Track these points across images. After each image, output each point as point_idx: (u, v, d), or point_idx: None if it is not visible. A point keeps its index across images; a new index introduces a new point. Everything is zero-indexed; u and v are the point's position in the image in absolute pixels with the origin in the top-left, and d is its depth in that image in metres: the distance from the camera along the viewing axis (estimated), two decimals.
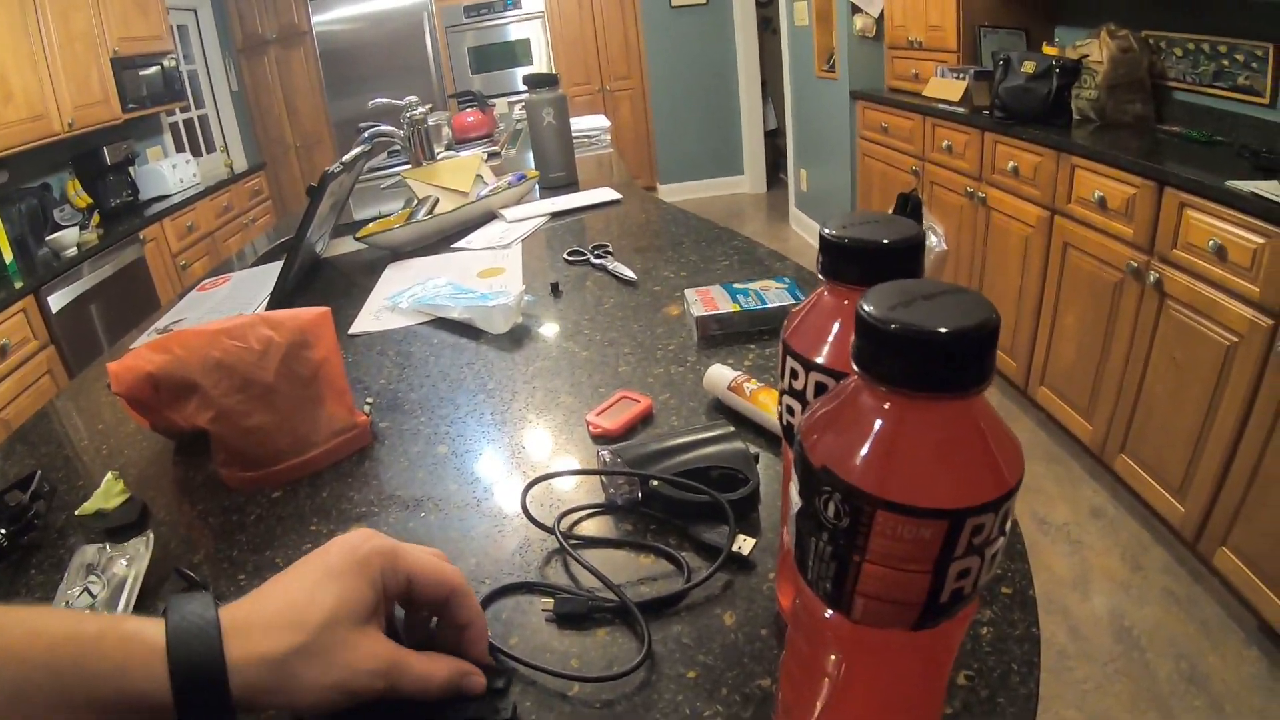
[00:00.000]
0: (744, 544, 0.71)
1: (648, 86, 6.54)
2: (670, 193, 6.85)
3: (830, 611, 0.40)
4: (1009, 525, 0.36)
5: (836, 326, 0.49)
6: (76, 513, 0.89)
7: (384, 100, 2.55)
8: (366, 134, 2.29)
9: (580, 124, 3.16)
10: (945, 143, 3.40)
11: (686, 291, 1.24)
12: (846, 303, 0.49)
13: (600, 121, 3.24)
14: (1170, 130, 2.68)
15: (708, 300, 1.18)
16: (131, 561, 0.75)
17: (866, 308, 0.35)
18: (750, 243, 1.59)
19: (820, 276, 0.50)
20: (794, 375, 0.51)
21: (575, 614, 0.66)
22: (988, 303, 0.35)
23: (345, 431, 0.94)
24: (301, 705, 0.49)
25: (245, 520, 0.85)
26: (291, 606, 0.51)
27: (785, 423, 0.55)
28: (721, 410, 0.96)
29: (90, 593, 0.72)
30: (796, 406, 0.52)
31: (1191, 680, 1.95)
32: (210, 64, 5.84)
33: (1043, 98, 2.83)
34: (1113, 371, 2.48)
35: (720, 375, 0.96)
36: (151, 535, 0.79)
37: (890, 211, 3.79)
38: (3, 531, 0.83)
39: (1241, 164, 2.16)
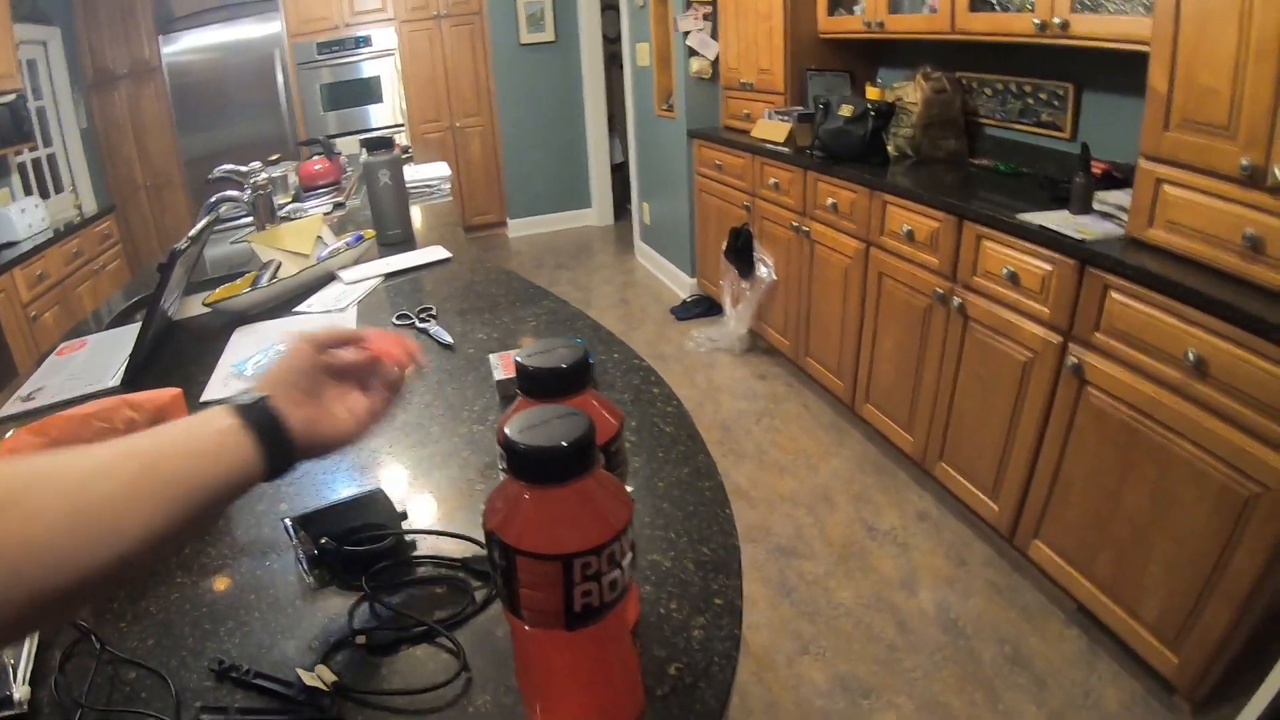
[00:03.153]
0: None
1: (497, 123, 6.49)
2: (520, 227, 6.80)
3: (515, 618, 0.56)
4: (626, 559, 0.55)
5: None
6: None
7: (229, 167, 2.49)
8: (213, 199, 2.24)
9: (421, 172, 3.12)
10: (773, 180, 3.49)
11: (490, 356, 1.35)
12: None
13: (440, 170, 3.20)
14: (981, 164, 2.84)
15: (508, 365, 1.28)
16: None
17: (506, 430, 0.54)
18: (559, 303, 1.69)
19: (518, 392, 0.68)
20: (501, 459, 0.65)
21: (386, 644, 0.77)
22: (585, 423, 0.54)
23: None
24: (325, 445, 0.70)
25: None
26: (294, 385, 0.70)
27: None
28: None
29: None
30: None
31: (1015, 661, 2.05)
32: (59, 99, 5.43)
33: (859, 138, 2.95)
34: (928, 387, 2.60)
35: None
36: None
37: (724, 246, 3.89)
38: None
39: (1041, 194, 2.30)
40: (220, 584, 0.89)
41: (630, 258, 5.92)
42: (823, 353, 3.34)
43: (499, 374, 1.27)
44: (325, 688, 0.70)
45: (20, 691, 0.73)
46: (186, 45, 5.72)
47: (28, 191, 4.92)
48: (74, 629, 0.81)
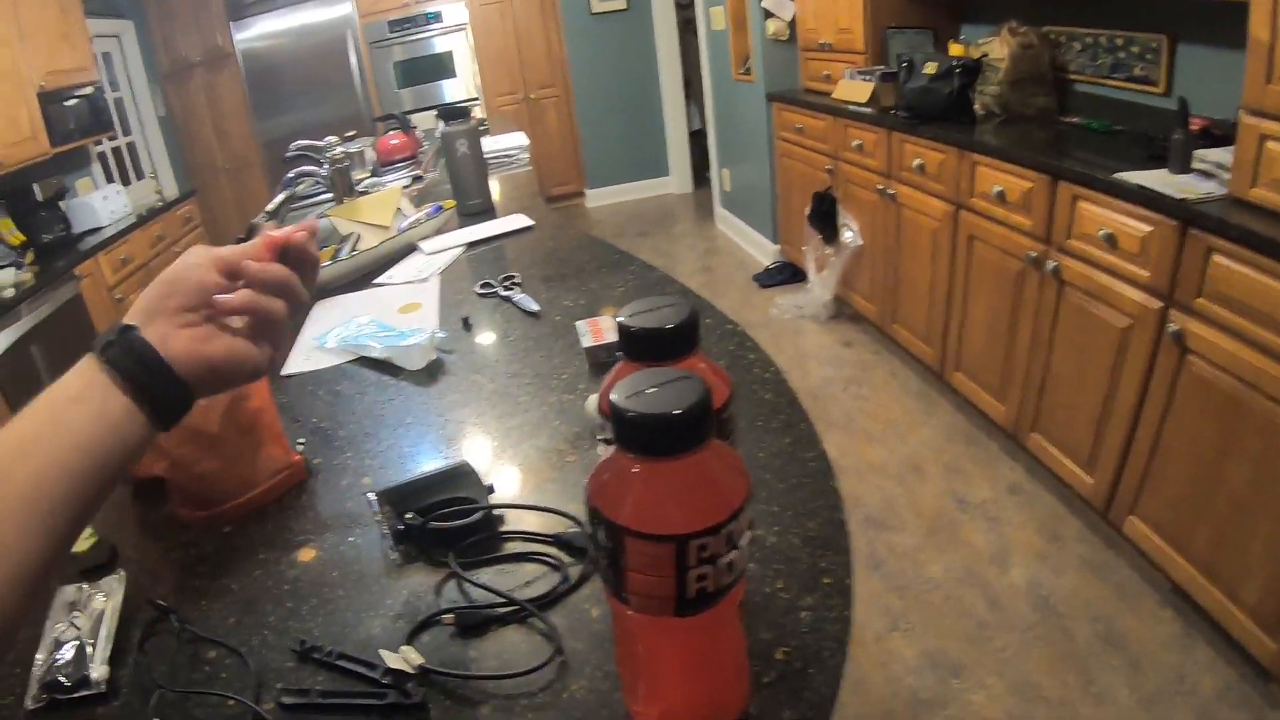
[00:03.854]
0: None
1: (572, 93, 6.52)
2: (599, 196, 6.85)
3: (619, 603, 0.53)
4: (743, 540, 0.51)
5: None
6: None
7: (305, 143, 2.55)
8: (291, 175, 2.30)
9: (500, 142, 3.16)
10: (856, 142, 3.44)
11: (578, 323, 1.32)
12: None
13: (519, 140, 3.24)
14: (1072, 121, 2.74)
15: (596, 331, 1.27)
16: (109, 596, 0.84)
17: (613, 397, 0.49)
18: (645, 268, 1.68)
19: (617, 355, 0.63)
20: (603, 428, 0.66)
21: (475, 624, 0.75)
22: (701, 388, 0.49)
23: (282, 470, 1.03)
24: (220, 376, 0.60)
25: (204, 553, 0.93)
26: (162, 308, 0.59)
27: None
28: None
29: (75, 625, 0.79)
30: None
31: (1109, 641, 2.02)
32: (136, 90, 5.68)
33: (945, 97, 2.88)
34: (1020, 355, 2.54)
35: (596, 404, 1.04)
36: (124, 573, 0.87)
37: (808, 211, 3.85)
38: None
39: (1136, 152, 2.22)
40: (303, 558, 0.89)
41: (711, 225, 5.90)
42: (911, 319, 3.29)
43: (587, 340, 1.25)
44: (411, 670, 0.68)
45: (99, 671, 0.74)
46: (259, 31, 5.91)
47: (109, 179, 5.16)
48: (154, 607, 0.82)
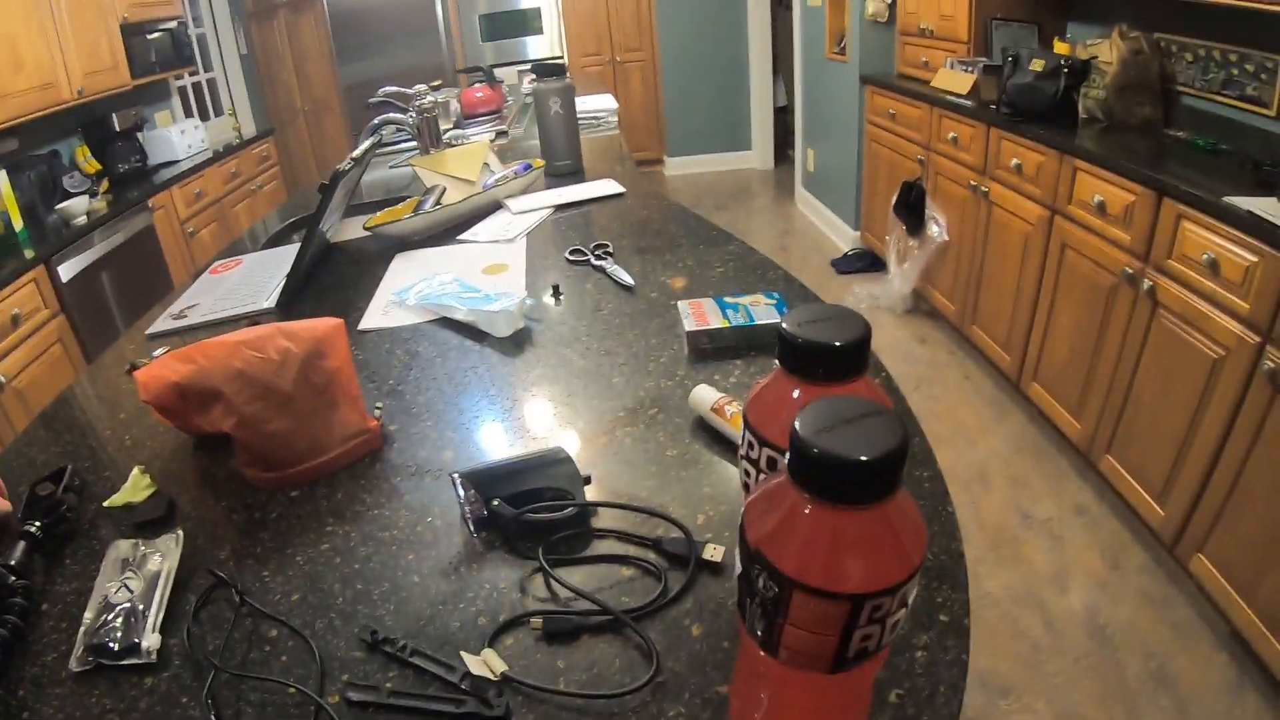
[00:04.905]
0: (714, 552, 0.77)
1: (658, 59, 6.50)
2: (678, 166, 6.84)
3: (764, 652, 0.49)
4: (911, 597, 0.46)
5: (786, 412, 0.57)
6: (105, 504, 0.94)
7: (393, 89, 2.58)
8: (376, 121, 2.33)
9: (588, 104, 3.17)
10: (951, 134, 3.40)
11: (679, 304, 1.27)
12: (797, 393, 0.57)
13: (608, 103, 3.25)
14: (1176, 135, 2.68)
15: (699, 314, 1.22)
16: (164, 557, 0.81)
17: (797, 427, 0.43)
18: (746, 248, 1.62)
19: (777, 363, 0.58)
20: (750, 446, 0.61)
21: (564, 631, 0.71)
22: (899, 428, 0.43)
23: (357, 436, 1.00)
24: None
25: (267, 518, 0.90)
26: None
27: (744, 483, 0.65)
28: (704, 429, 1.00)
29: (128, 588, 0.77)
30: (752, 471, 0.62)
31: (1160, 680, 2.01)
32: (219, 27, 5.79)
33: (1050, 96, 2.83)
34: (1103, 373, 2.51)
35: (704, 396, 1.01)
36: (181, 533, 0.85)
37: (894, 200, 3.82)
38: (37, 524, 0.88)
39: (1243, 176, 2.17)
40: (377, 535, 0.86)
41: (790, 204, 5.87)
42: (991, 323, 3.26)
43: (689, 324, 1.19)
44: (493, 677, 0.65)
45: (150, 640, 0.71)
46: None
47: (188, 114, 5.29)
48: (211, 575, 0.79)
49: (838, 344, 0.55)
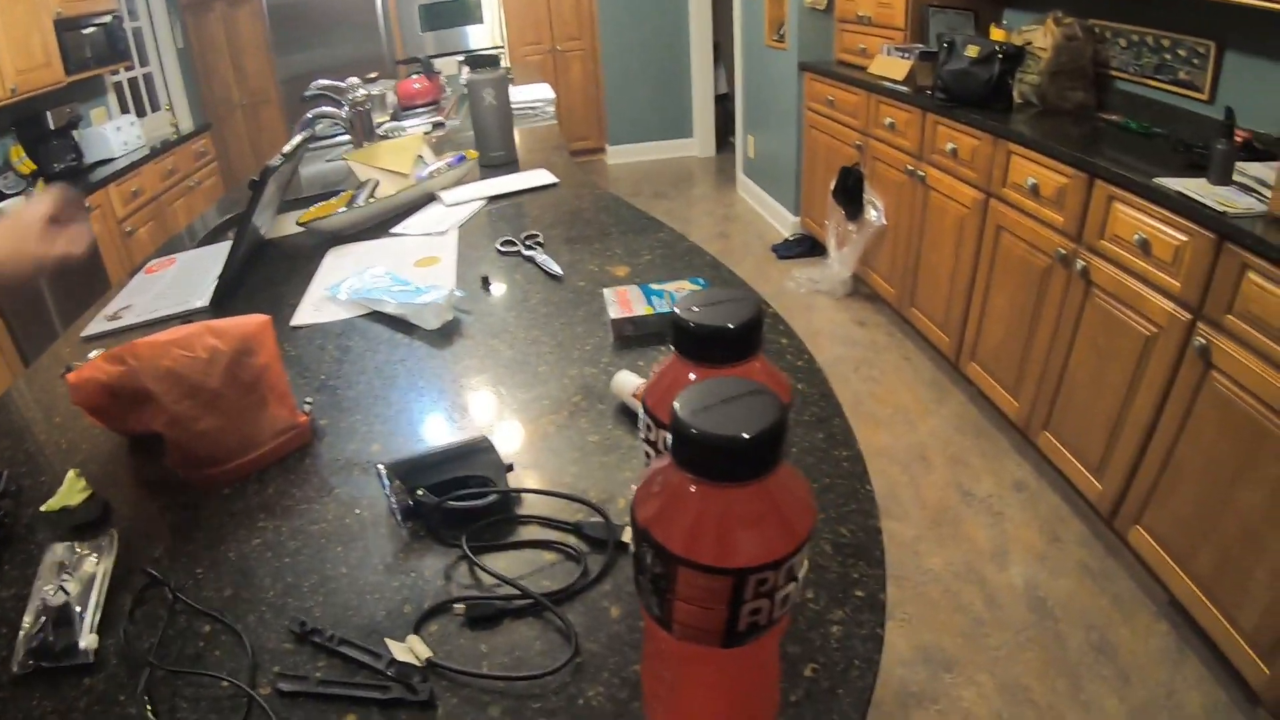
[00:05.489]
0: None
1: (599, 48, 6.42)
2: (620, 154, 6.77)
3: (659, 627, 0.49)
4: (801, 571, 0.46)
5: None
6: (42, 509, 0.91)
7: (327, 82, 2.50)
8: (309, 115, 2.25)
9: (525, 94, 3.11)
10: (888, 120, 3.38)
11: (605, 291, 1.26)
12: (691, 376, 0.57)
13: (544, 93, 3.18)
14: (1109, 119, 2.68)
15: (624, 301, 1.21)
16: (100, 559, 0.81)
17: (676, 408, 0.43)
18: (676, 236, 1.62)
19: (670, 347, 0.58)
20: (648, 428, 0.62)
21: (487, 616, 0.71)
22: (777, 407, 0.43)
23: (287, 431, 0.99)
24: None
25: (199, 516, 0.89)
26: None
27: (646, 465, 0.64)
28: (626, 414, 1.00)
29: (65, 590, 0.76)
30: (651, 453, 0.63)
31: (1101, 651, 2.02)
32: (155, 20, 5.59)
33: (984, 82, 2.82)
34: (1039, 352, 2.52)
35: (625, 382, 1.02)
36: (116, 534, 0.84)
37: (833, 185, 3.80)
38: None
39: (1175, 158, 2.17)
40: (306, 529, 0.85)
41: (731, 191, 5.84)
42: (929, 304, 3.26)
43: (614, 311, 1.18)
44: (418, 663, 0.65)
45: (87, 640, 0.71)
46: None
47: (124, 110, 5.10)
48: (145, 574, 0.79)
49: (726, 326, 0.55)
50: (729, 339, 0.55)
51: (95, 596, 0.76)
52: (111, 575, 0.79)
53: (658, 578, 0.46)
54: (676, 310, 0.56)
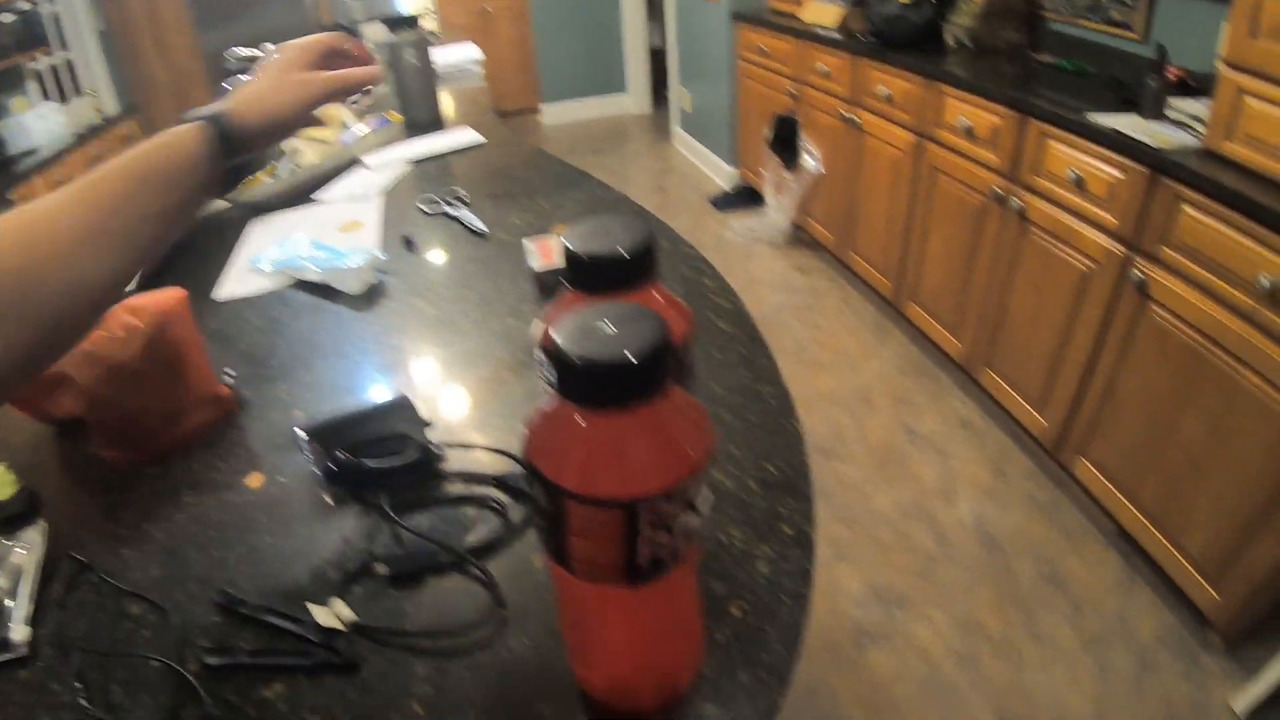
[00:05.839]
0: None
1: (529, 5, 6.24)
2: (555, 113, 6.59)
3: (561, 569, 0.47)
4: (701, 500, 0.44)
5: None
6: None
7: (245, 52, 2.36)
8: (226, 85, 2.13)
9: (450, 55, 2.98)
10: (822, 67, 3.30)
11: (524, 242, 1.25)
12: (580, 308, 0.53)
13: (470, 51, 3.06)
14: (1043, 60, 2.62)
15: (545, 252, 1.18)
16: (29, 551, 0.78)
17: (554, 336, 0.41)
18: (603, 188, 1.58)
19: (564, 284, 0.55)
20: (542, 364, 0.57)
21: (409, 574, 0.69)
22: (659, 329, 0.41)
23: (210, 405, 0.96)
24: (279, 118, 0.75)
25: (126, 498, 0.86)
26: (264, 77, 0.76)
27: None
28: None
29: None
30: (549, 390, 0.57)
31: (1052, 581, 2.01)
32: (74, 4, 5.28)
33: (916, 25, 2.75)
34: (978, 290, 2.49)
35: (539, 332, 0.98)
36: (45, 524, 0.81)
37: (768, 135, 3.74)
38: None
39: (1108, 97, 2.12)
40: (229, 501, 0.83)
41: (668, 145, 5.73)
42: (868, 248, 3.22)
43: (535, 262, 1.16)
44: (342, 627, 0.64)
45: (20, 633, 0.69)
46: None
47: (46, 97, 4.85)
48: (73, 561, 0.76)
49: (614, 252, 0.51)
50: (618, 266, 0.51)
51: (27, 589, 0.74)
52: (43, 565, 0.77)
53: (552, 516, 0.44)
54: (564, 241, 0.53)
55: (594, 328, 0.41)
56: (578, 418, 0.41)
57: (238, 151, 0.71)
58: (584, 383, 0.40)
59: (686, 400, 0.45)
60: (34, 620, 0.70)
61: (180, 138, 0.66)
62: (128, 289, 0.65)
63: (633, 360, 0.39)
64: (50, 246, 0.55)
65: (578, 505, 0.42)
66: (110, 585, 0.73)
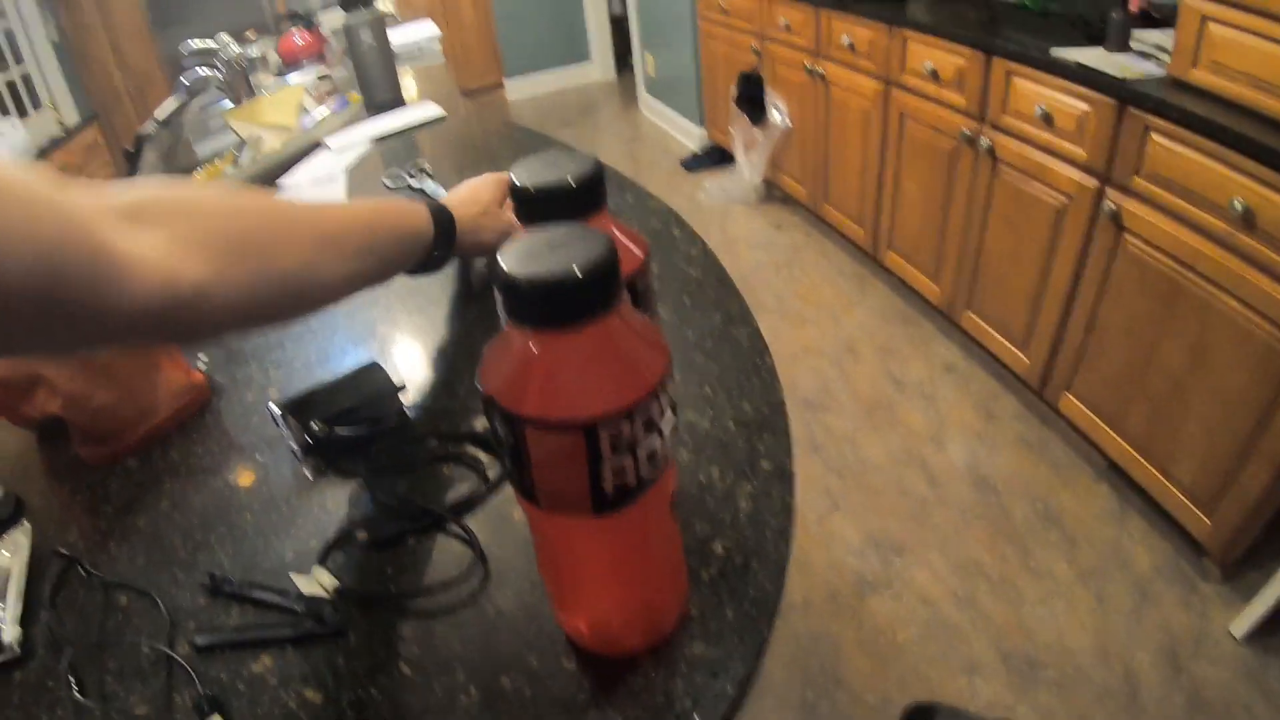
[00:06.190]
0: None
1: None
2: (519, 88, 6.51)
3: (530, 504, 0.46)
4: (666, 422, 0.43)
5: None
6: None
7: (199, 45, 2.33)
8: (182, 80, 2.11)
9: (408, 34, 2.95)
10: (783, 21, 3.26)
11: None
12: None
13: (428, 29, 3.02)
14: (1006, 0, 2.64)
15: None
16: (15, 553, 0.78)
17: (498, 257, 0.40)
18: (565, 148, 1.54)
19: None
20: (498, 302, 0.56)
21: (390, 537, 0.70)
22: (603, 244, 0.40)
23: (185, 393, 0.96)
24: (483, 243, 0.93)
25: (108, 492, 0.86)
26: (475, 199, 0.95)
27: None
28: None
29: None
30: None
31: (1046, 518, 2.03)
32: (25, 17, 5.20)
33: None
34: (954, 234, 2.48)
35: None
36: (29, 525, 0.81)
37: (734, 93, 3.72)
38: None
39: (1072, 33, 2.09)
40: (209, 487, 0.83)
41: (635, 112, 5.68)
42: (842, 200, 3.21)
43: None
44: (327, 594, 0.64)
45: (10, 634, 0.69)
46: None
47: (5, 113, 4.79)
48: (60, 557, 0.76)
49: (559, 181, 0.52)
50: (564, 195, 0.52)
51: (15, 588, 0.74)
52: (30, 566, 0.77)
53: (513, 447, 0.43)
54: (510, 175, 0.53)
55: (539, 249, 0.41)
56: (530, 344, 0.41)
57: (445, 248, 0.85)
58: (530, 302, 0.40)
59: (638, 319, 0.44)
60: (24, 620, 0.70)
61: (418, 215, 0.80)
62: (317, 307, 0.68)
63: (578, 274, 0.39)
64: (298, 235, 0.62)
65: (536, 432, 0.41)
66: (97, 578, 0.73)
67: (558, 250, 0.40)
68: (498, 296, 0.41)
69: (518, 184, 0.52)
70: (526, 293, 0.39)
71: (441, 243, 0.83)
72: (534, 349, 0.41)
